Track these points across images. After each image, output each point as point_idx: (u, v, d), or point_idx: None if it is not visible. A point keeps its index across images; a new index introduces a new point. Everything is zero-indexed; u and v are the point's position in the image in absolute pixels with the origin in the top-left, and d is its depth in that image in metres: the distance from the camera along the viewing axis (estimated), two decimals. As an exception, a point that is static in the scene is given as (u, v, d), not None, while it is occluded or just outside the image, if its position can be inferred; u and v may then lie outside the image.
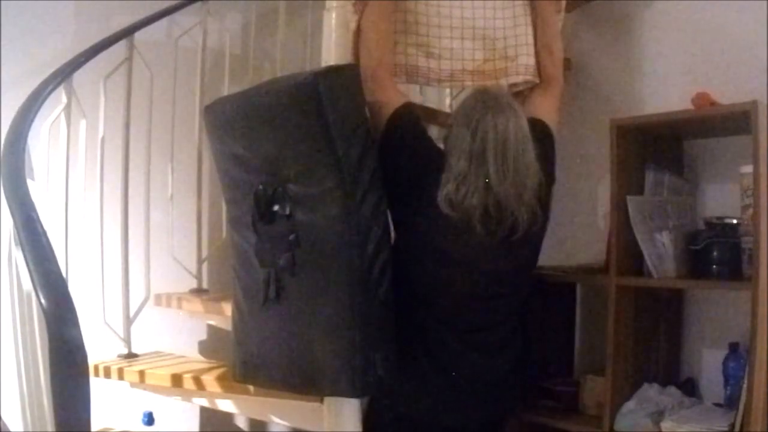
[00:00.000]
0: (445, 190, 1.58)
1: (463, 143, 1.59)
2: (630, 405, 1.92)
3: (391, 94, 1.74)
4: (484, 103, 1.61)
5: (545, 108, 1.86)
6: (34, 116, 1.85)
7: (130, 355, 2.29)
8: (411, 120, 1.73)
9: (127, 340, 2.30)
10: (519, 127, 1.60)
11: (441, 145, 1.71)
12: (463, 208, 1.56)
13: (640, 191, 1.99)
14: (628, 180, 1.98)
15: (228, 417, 2.75)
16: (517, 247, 1.64)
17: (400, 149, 1.69)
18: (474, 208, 1.56)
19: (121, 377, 2.17)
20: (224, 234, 2.21)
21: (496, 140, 1.56)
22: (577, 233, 2.43)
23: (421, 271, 1.68)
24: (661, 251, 1.92)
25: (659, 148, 2.10)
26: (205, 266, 2.55)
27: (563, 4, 2.00)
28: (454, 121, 1.67)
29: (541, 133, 1.71)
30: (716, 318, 2.10)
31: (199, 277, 2.52)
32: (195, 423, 2.69)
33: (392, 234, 1.70)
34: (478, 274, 1.68)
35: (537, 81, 1.93)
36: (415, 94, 2.28)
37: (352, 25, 1.76)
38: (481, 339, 1.73)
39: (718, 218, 1.95)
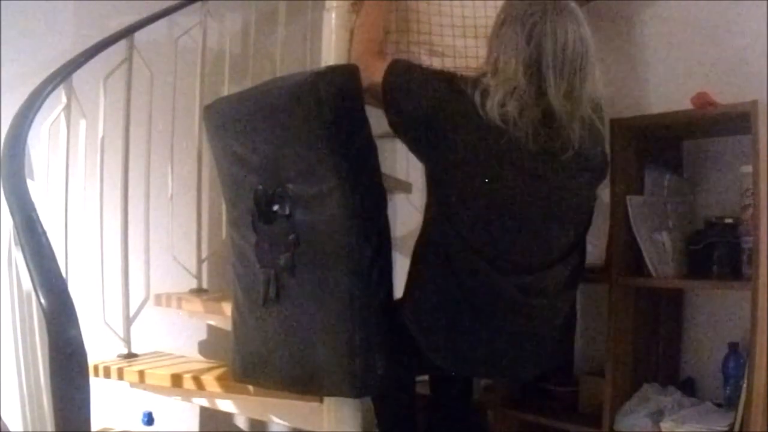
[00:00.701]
0: (496, 98, 1.49)
1: (515, 45, 1.50)
2: (630, 405, 1.92)
3: (382, 70, 1.65)
4: (543, 2, 1.52)
5: None
6: (34, 116, 1.85)
7: (130, 355, 2.29)
8: (403, 67, 1.66)
9: (127, 340, 2.30)
10: (580, 37, 1.52)
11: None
12: (512, 120, 1.48)
13: (640, 191, 1.99)
14: (628, 180, 1.98)
15: (228, 417, 2.75)
16: (571, 171, 1.57)
17: (408, 93, 1.61)
18: (523, 121, 1.48)
19: (120, 377, 2.16)
20: (224, 234, 2.20)
21: (555, 51, 1.48)
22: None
23: (466, 204, 1.56)
24: (661, 251, 1.92)
25: (659, 148, 2.10)
26: (205, 266, 2.54)
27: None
28: (505, 15, 1.57)
29: None
30: (716, 318, 2.10)
31: (199, 277, 2.51)
32: (195, 423, 2.68)
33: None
34: (528, 195, 1.55)
35: None
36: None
37: (351, 25, 1.76)
38: (536, 282, 1.60)
39: (718, 218, 1.95)
